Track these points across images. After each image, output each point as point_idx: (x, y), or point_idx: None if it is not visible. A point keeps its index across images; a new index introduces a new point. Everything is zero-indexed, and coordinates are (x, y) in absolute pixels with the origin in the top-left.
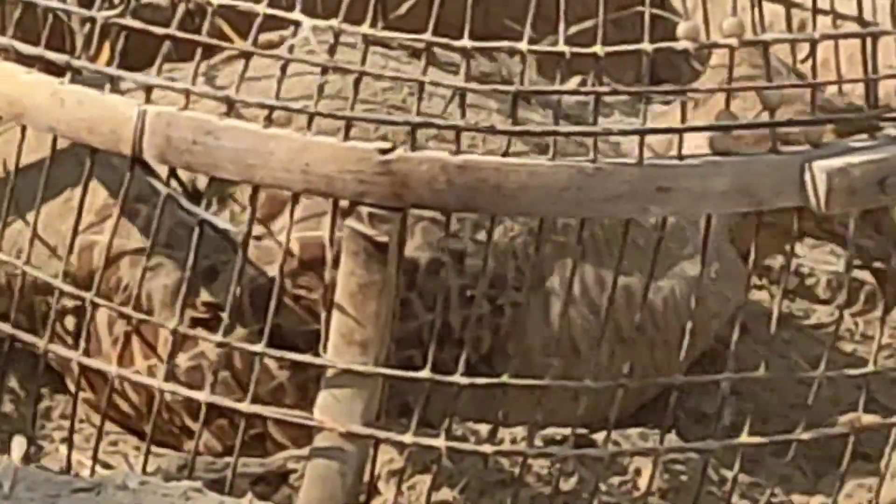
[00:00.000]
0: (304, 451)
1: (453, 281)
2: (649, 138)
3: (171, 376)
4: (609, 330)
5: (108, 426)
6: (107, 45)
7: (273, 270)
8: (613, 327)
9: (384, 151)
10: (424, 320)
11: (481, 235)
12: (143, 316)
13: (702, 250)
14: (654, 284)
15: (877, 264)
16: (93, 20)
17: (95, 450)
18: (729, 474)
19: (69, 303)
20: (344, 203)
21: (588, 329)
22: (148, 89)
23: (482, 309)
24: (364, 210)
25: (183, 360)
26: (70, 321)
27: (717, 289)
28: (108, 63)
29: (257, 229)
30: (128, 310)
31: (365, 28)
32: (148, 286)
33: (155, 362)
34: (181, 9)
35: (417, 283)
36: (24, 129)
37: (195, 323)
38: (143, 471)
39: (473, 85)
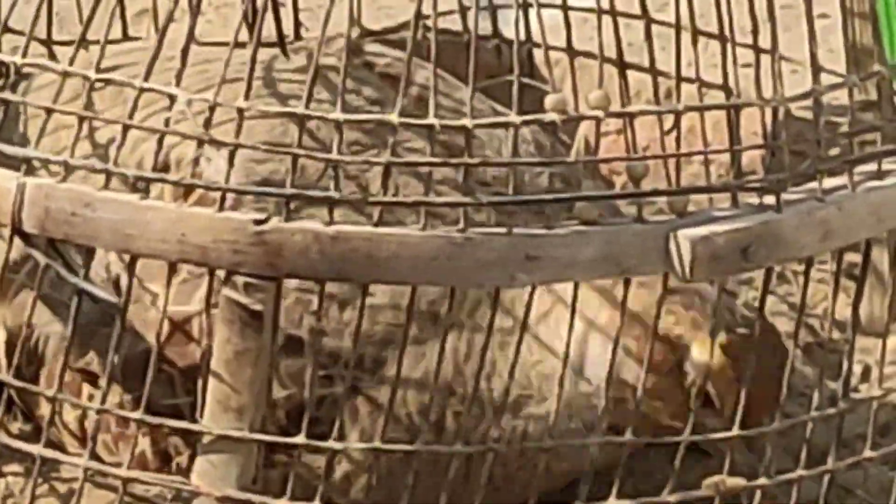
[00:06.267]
0: None
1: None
2: None
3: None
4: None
5: None
6: None
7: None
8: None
9: (259, 222)
10: (279, 395)
11: (346, 315)
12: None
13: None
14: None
15: None
16: None
17: None
18: None
19: None
20: (220, 273)
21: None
22: (27, 161)
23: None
24: (239, 279)
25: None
26: None
27: None
28: None
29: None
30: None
31: (240, 102)
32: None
33: None
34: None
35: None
36: None
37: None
38: None
39: (347, 157)
